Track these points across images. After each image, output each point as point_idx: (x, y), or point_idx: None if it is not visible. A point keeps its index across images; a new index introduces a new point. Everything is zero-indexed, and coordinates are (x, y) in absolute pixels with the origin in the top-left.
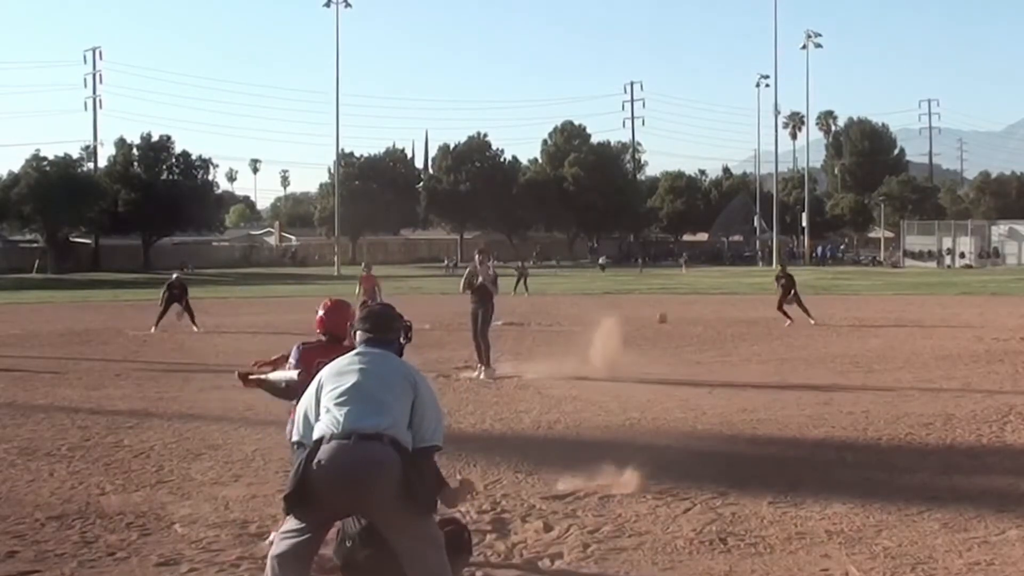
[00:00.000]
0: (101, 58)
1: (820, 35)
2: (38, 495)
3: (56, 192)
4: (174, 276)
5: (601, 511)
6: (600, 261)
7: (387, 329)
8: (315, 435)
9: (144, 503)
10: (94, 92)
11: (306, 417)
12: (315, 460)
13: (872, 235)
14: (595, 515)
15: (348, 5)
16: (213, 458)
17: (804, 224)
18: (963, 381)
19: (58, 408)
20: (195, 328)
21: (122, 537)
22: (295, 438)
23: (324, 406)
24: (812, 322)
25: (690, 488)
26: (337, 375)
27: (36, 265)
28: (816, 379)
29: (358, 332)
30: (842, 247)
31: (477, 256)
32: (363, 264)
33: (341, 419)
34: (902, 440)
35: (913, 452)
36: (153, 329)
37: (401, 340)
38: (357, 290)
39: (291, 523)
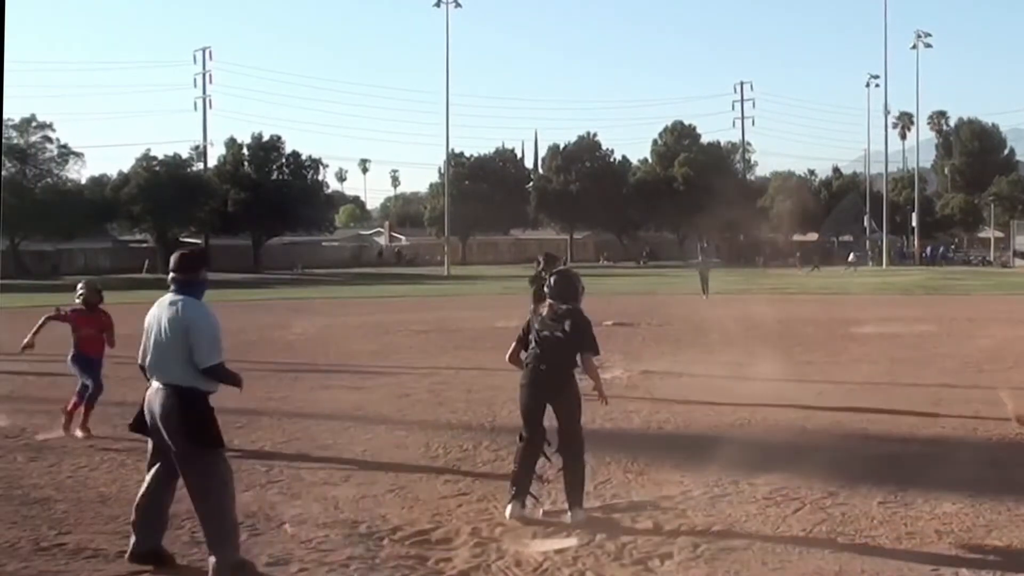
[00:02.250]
0: (211, 58)
1: (930, 35)
2: None
3: (166, 192)
4: None
5: (711, 511)
6: (850, 259)
7: (190, 269)
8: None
9: (254, 503)
10: (204, 92)
11: (143, 346)
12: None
13: (982, 235)
14: (705, 515)
15: (458, 5)
16: (323, 458)
17: (914, 224)
18: None
19: None
20: None
21: None
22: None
23: (146, 348)
24: None
25: (800, 488)
26: (150, 321)
27: (146, 265)
28: (926, 379)
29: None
30: (952, 247)
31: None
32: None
33: (150, 370)
34: (1012, 440)
35: None
36: None
37: (205, 277)
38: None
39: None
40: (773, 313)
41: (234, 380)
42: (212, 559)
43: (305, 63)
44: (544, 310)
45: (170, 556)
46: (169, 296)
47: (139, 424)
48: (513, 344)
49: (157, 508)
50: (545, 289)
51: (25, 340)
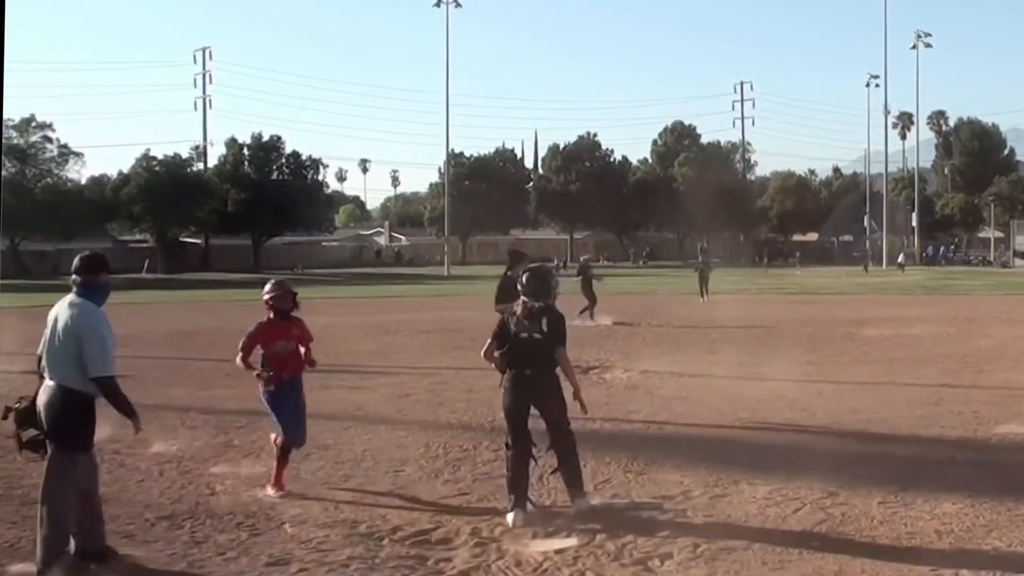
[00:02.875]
0: (211, 58)
1: (930, 35)
2: (148, 495)
3: (166, 192)
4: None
5: (711, 511)
6: (900, 260)
7: (89, 271)
8: None
9: (254, 503)
10: (204, 92)
11: (42, 343)
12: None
13: (982, 235)
14: (705, 515)
15: (458, 5)
16: (323, 458)
17: (914, 224)
18: None
19: (168, 408)
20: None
21: (232, 537)
22: None
23: (45, 345)
24: None
25: (800, 488)
26: (50, 320)
27: (146, 265)
28: (926, 379)
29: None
30: (952, 247)
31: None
32: (269, 292)
33: (44, 367)
34: (1012, 440)
35: None
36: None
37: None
38: None
39: None
40: (773, 313)
41: (124, 407)
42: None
43: (305, 63)
44: (518, 309)
45: (114, 551)
46: (70, 297)
47: (31, 420)
48: (488, 340)
49: (89, 506)
50: (518, 287)
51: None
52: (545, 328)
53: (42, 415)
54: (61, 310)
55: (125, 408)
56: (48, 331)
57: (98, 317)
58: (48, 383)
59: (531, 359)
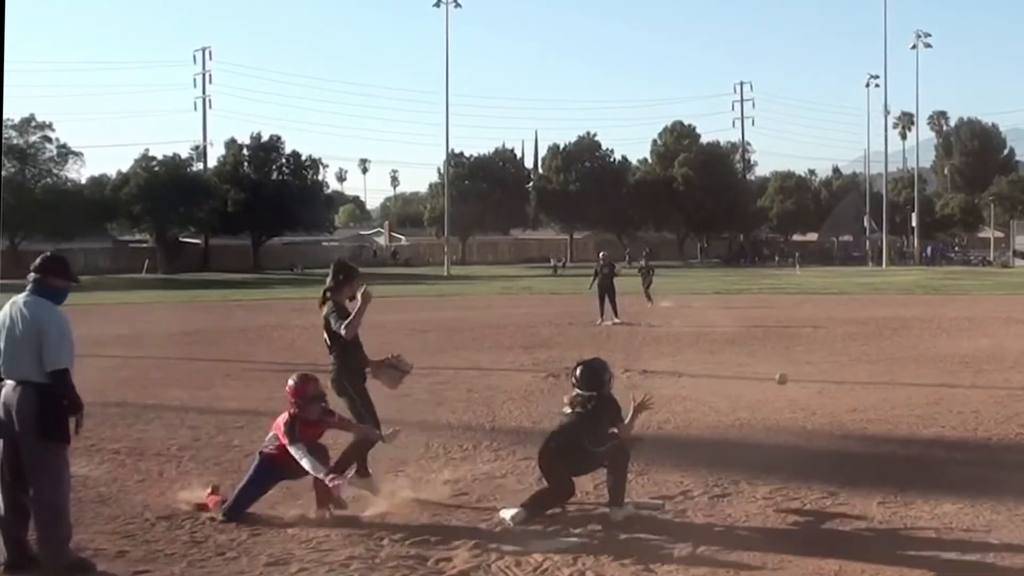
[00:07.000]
0: (211, 58)
1: (930, 35)
2: (148, 495)
3: (166, 192)
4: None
5: (711, 511)
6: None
7: (46, 271)
8: None
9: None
10: (204, 92)
11: None
12: None
13: (982, 235)
14: (705, 515)
15: (458, 5)
16: None
17: (914, 224)
18: None
19: (168, 408)
20: None
21: (232, 537)
22: None
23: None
24: None
25: (800, 488)
26: (3, 320)
27: (146, 265)
28: (926, 379)
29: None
30: (954, 247)
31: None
32: None
33: (3, 368)
34: (1012, 440)
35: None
36: None
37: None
38: None
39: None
40: (773, 314)
41: (71, 400)
42: (42, 553)
43: (305, 63)
44: (566, 399)
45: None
46: (23, 296)
47: None
48: None
49: (23, 513)
50: (572, 380)
51: None
52: (587, 407)
53: (13, 416)
54: (16, 309)
55: (73, 401)
56: (2, 333)
57: (53, 311)
58: (12, 384)
59: (558, 433)
